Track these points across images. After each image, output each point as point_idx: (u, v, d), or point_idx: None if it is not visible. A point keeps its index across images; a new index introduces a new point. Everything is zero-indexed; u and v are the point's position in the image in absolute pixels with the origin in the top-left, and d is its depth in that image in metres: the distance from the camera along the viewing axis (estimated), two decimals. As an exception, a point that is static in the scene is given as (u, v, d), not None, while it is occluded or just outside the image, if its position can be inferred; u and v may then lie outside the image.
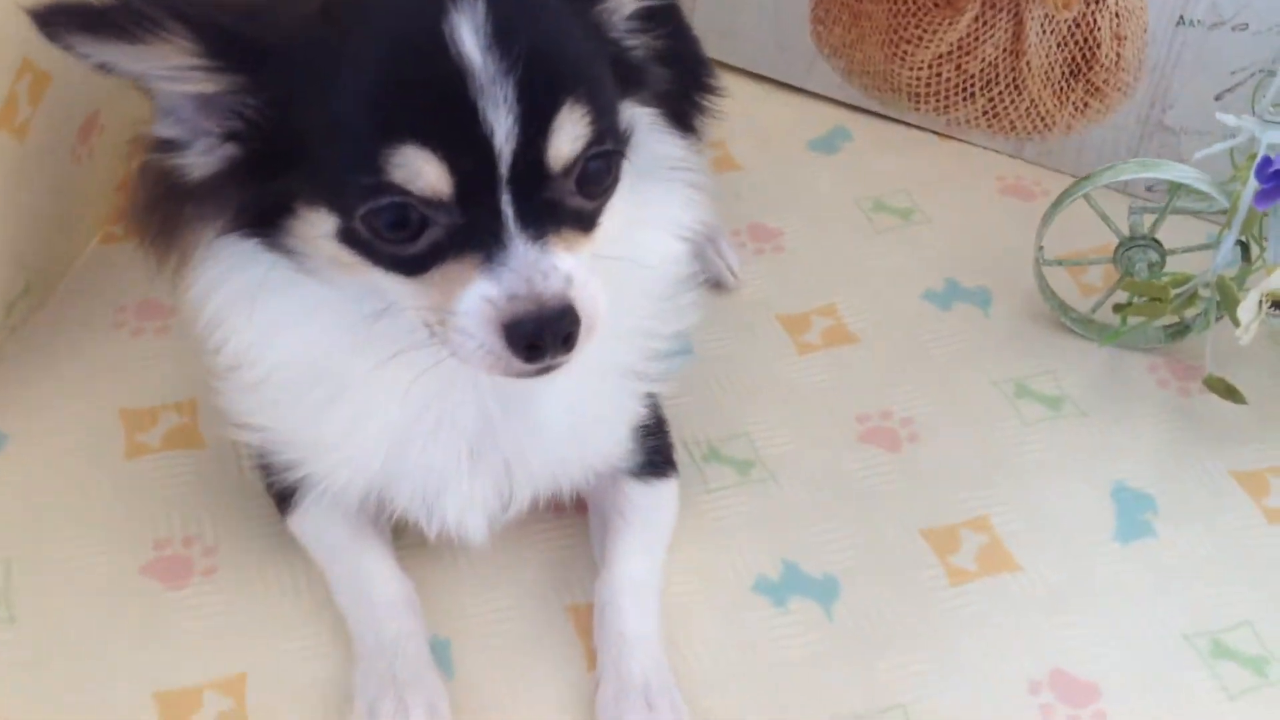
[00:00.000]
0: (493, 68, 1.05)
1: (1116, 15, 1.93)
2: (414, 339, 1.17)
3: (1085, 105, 2.00)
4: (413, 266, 1.11)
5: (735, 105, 1.88)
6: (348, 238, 1.11)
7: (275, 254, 1.18)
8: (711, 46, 1.89)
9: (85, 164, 1.66)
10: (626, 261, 1.20)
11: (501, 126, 1.06)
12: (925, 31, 2.05)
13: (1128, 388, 1.68)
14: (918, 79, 2.08)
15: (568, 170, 1.10)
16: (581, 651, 1.37)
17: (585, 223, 1.14)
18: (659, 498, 1.44)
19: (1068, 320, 1.74)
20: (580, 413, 1.34)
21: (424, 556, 1.42)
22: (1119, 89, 1.97)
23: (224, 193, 1.15)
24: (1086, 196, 1.68)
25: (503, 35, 1.06)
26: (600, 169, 1.14)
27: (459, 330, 1.10)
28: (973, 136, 2.09)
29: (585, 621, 1.38)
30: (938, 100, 2.09)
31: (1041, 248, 1.72)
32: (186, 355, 1.53)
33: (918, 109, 2.10)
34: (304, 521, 1.40)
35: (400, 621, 1.33)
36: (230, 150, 1.13)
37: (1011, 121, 2.06)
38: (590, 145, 1.11)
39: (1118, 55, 1.95)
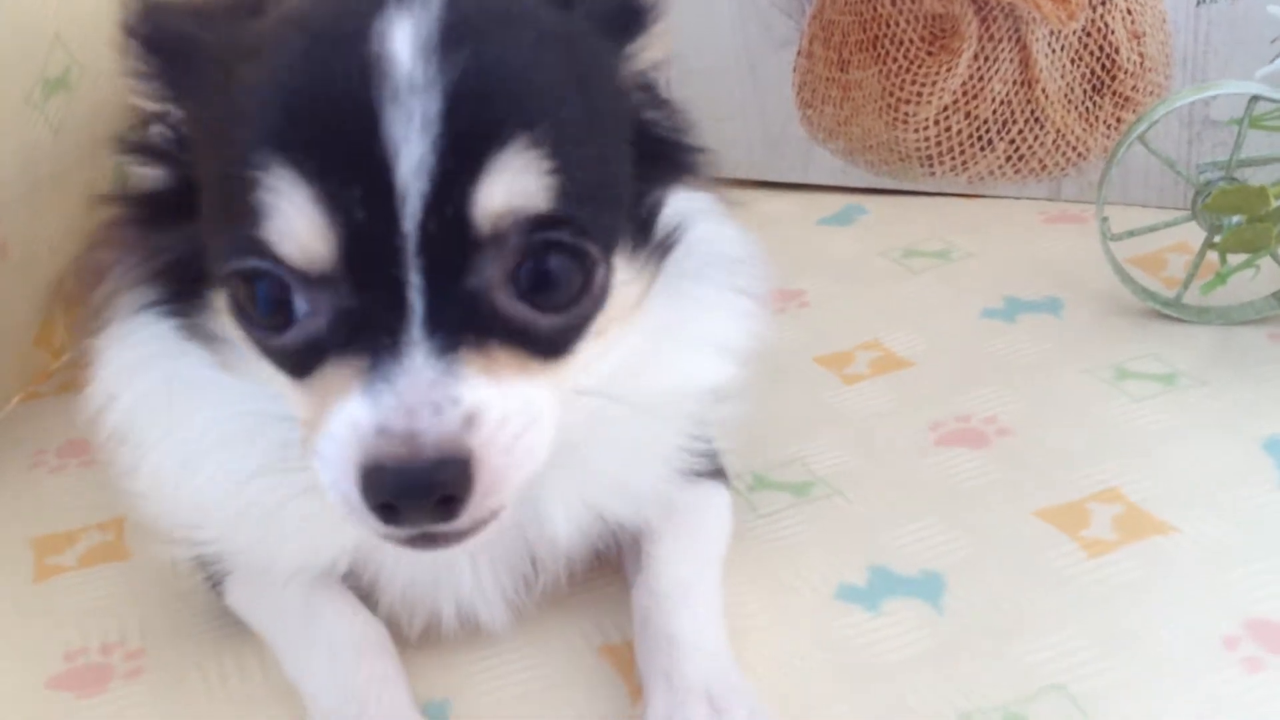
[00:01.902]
0: (420, 74, 0.77)
1: (1128, 12, 1.74)
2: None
3: (1118, 121, 1.79)
4: (292, 365, 0.82)
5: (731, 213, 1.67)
6: (232, 314, 0.85)
7: (193, 341, 0.92)
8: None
9: (-10, 291, 1.44)
10: (654, 394, 0.95)
11: (410, 153, 0.75)
12: (924, 85, 1.86)
13: (1250, 354, 1.40)
14: (926, 139, 1.88)
15: (501, 236, 0.78)
16: (625, 690, 1.03)
17: (541, 345, 0.83)
18: (707, 499, 1.14)
19: (1157, 305, 1.47)
20: (620, 480, 1.05)
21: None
22: (1151, 92, 1.76)
23: (149, 233, 0.92)
24: (1142, 139, 1.43)
25: (450, 40, 0.78)
26: (558, 270, 0.82)
27: (318, 457, 0.79)
28: (1001, 189, 1.86)
29: (629, 660, 1.05)
30: (953, 157, 1.87)
31: (1106, 219, 1.46)
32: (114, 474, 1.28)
33: (933, 172, 1.89)
34: (243, 589, 1.09)
35: (371, 665, 1.00)
36: (160, 177, 0.91)
37: (1040, 160, 1.84)
38: (545, 217, 0.79)
39: (1140, 55, 1.75)
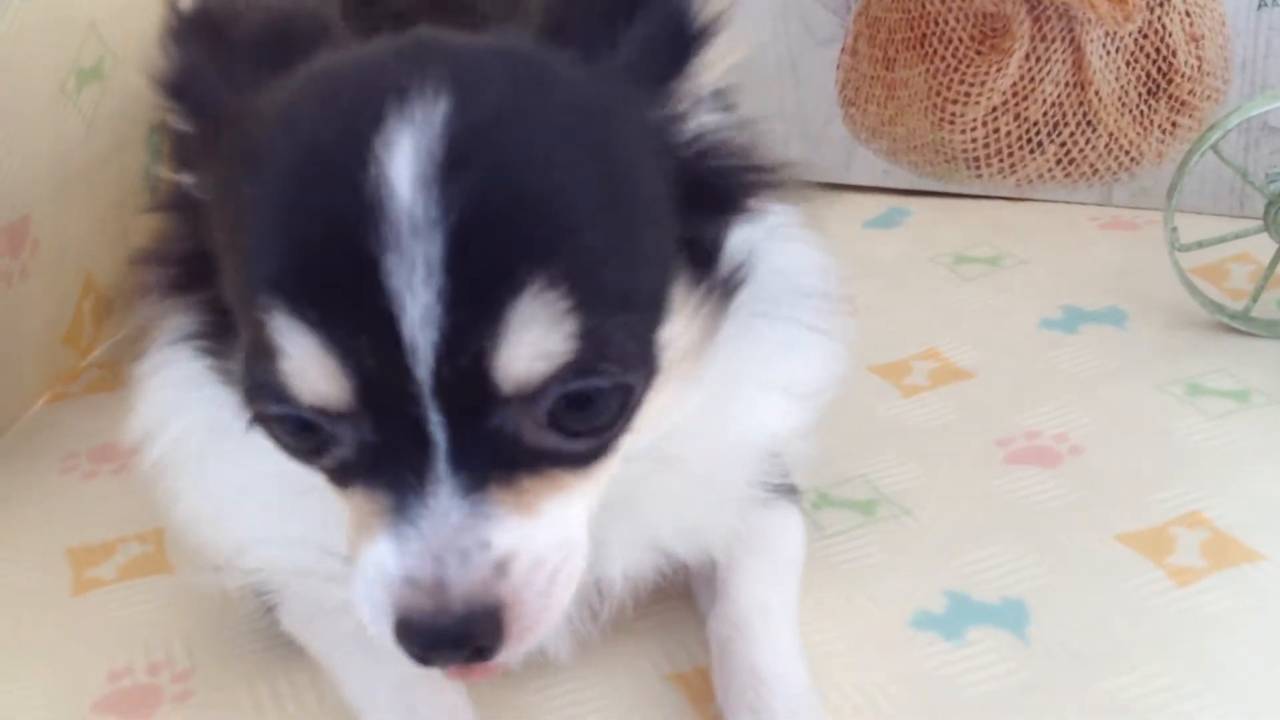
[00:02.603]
0: (421, 211, 0.69)
1: (1187, 14, 1.70)
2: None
3: (1173, 125, 1.74)
4: (333, 480, 0.79)
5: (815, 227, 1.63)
6: (267, 433, 0.80)
7: (227, 387, 0.86)
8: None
9: (18, 287, 1.38)
10: (719, 449, 0.90)
11: (415, 305, 0.69)
12: (972, 85, 1.81)
13: (1325, 371, 1.35)
14: (974, 141, 1.83)
15: (528, 397, 0.72)
16: (697, 721, 0.98)
17: (575, 462, 0.77)
18: (782, 521, 1.09)
19: (1225, 318, 1.43)
20: (683, 526, 0.99)
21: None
22: (1208, 97, 1.72)
23: (186, 272, 0.86)
24: (1215, 149, 1.39)
25: (454, 162, 0.70)
26: (590, 399, 0.75)
27: (355, 588, 0.76)
28: (1050, 192, 1.82)
29: (700, 689, 1.01)
30: (1001, 160, 1.83)
31: (1175, 229, 1.42)
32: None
33: (980, 175, 1.84)
34: (299, 613, 1.04)
35: (439, 696, 0.95)
36: (184, 237, 0.85)
37: (1092, 164, 1.79)
38: (576, 363, 0.72)
39: (1198, 59, 1.71)
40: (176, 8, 0.85)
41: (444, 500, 0.72)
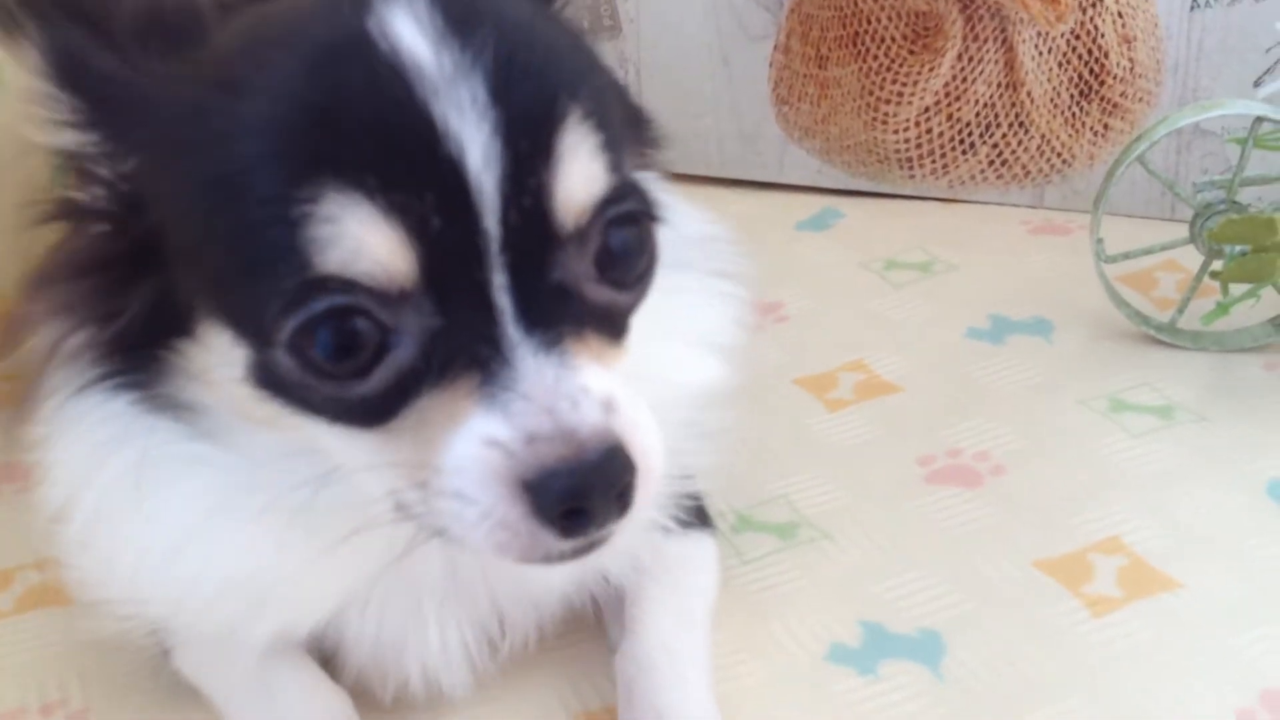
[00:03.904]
0: (451, 62, 0.70)
1: (1119, 16, 1.68)
2: (369, 514, 0.79)
3: (1105, 128, 1.73)
4: (372, 412, 0.73)
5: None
6: (265, 378, 0.75)
7: (159, 414, 0.83)
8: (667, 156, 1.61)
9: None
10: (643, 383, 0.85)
11: (475, 144, 0.69)
12: (905, 85, 1.79)
13: (1246, 385, 1.35)
14: (906, 141, 1.81)
15: (583, 230, 0.73)
16: (604, 766, 0.96)
17: (614, 326, 0.77)
18: (693, 553, 1.07)
19: (1150, 329, 1.41)
20: None
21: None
22: (1140, 99, 1.70)
23: (94, 299, 0.81)
24: (1141, 160, 1.37)
25: (459, 22, 0.72)
26: (630, 242, 0.77)
27: (451, 496, 0.71)
28: (983, 194, 1.80)
29: (606, 728, 0.98)
30: (934, 160, 1.81)
31: (1101, 240, 1.40)
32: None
33: (913, 176, 1.82)
34: (196, 656, 1.01)
35: (334, 737, 0.92)
36: (101, 232, 0.80)
37: (1024, 166, 1.77)
38: (613, 193, 0.74)
39: (1130, 61, 1.69)
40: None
41: (530, 360, 0.71)
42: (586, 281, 0.75)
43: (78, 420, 0.84)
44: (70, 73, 0.77)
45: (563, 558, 0.74)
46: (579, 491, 0.70)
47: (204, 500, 0.85)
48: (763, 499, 1.24)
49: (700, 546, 1.08)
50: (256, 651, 0.96)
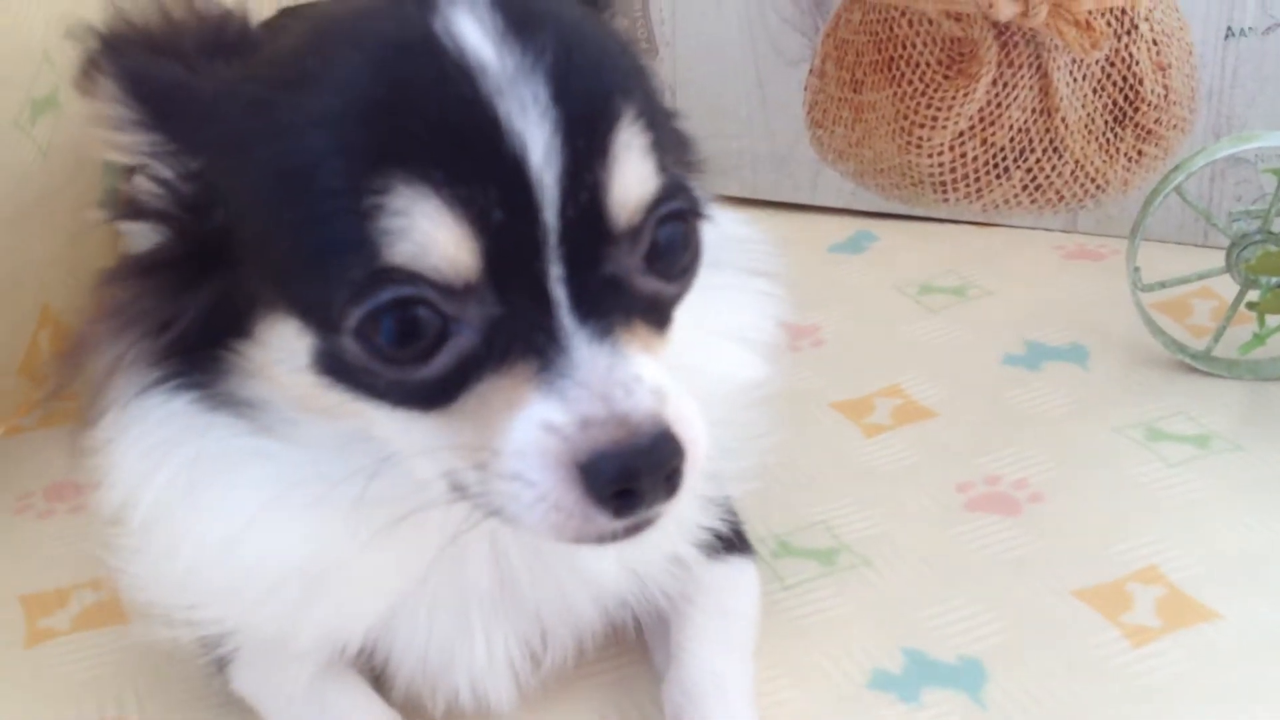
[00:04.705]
0: (513, 63, 0.74)
1: (1154, 43, 1.69)
2: (421, 498, 0.82)
3: (1139, 154, 1.74)
4: (433, 395, 0.77)
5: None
6: (330, 365, 0.78)
7: (217, 411, 0.86)
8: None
9: (-31, 320, 1.37)
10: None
11: (537, 142, 0.73)
12: (939, 110, 1.81)
13: (1281, 415, 1.35)
14: (940, 165, 1.83)
15: (635, 228, 0.77)
16: (652, 788, 0.98)
17: (660, 316, 0.81)
18: (735, 578, 1.09)
19: (1186, 357, 1.43)
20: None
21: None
22: (1174, 126, 1.72)
23: (156, 302, 0.84)
24: (1179, 190, 1.39)
25: (518, 25, 0.76)
26: (675, 238, 0.80)
27: (510, 478, 0.75)
28: (1016, 218, 1.82)
29: (653, 753, 1.00)
30: (968, 185, 1.82)
31: (1138, 269, 1.42)
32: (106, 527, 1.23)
33: (946, 199, 1.84)
34: (249, 673, 1.03)
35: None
36: (159, 238, 0.84)
37: (1058, 191, 1.79)
38: (663, 192, 0.78)
39: (1165, 88, 1.71)
40: (99, 31, 0.83)
41: (585, 349, 0.74)
42: (636, 274, 0.79)
43: (137, 421, 0.87)
44: (138, 83, 0.81)
45: (615, 538, 0.77)
46: (631, 473, 0.73)
47: (261, 492, 0.87)
48: (802, 524, 1.26)
49: (742, 572, 1.10)
50: (311, 668, 0.99)
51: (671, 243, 0.80)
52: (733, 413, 0.98)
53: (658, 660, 1.07)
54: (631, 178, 0.76)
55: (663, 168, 0.78)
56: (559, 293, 0.74)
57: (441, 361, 0.75)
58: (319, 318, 0.77)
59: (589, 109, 0.75)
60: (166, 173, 0.82)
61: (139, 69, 0.81)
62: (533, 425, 0.74)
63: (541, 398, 0.74)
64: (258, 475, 0.87)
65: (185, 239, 0.83)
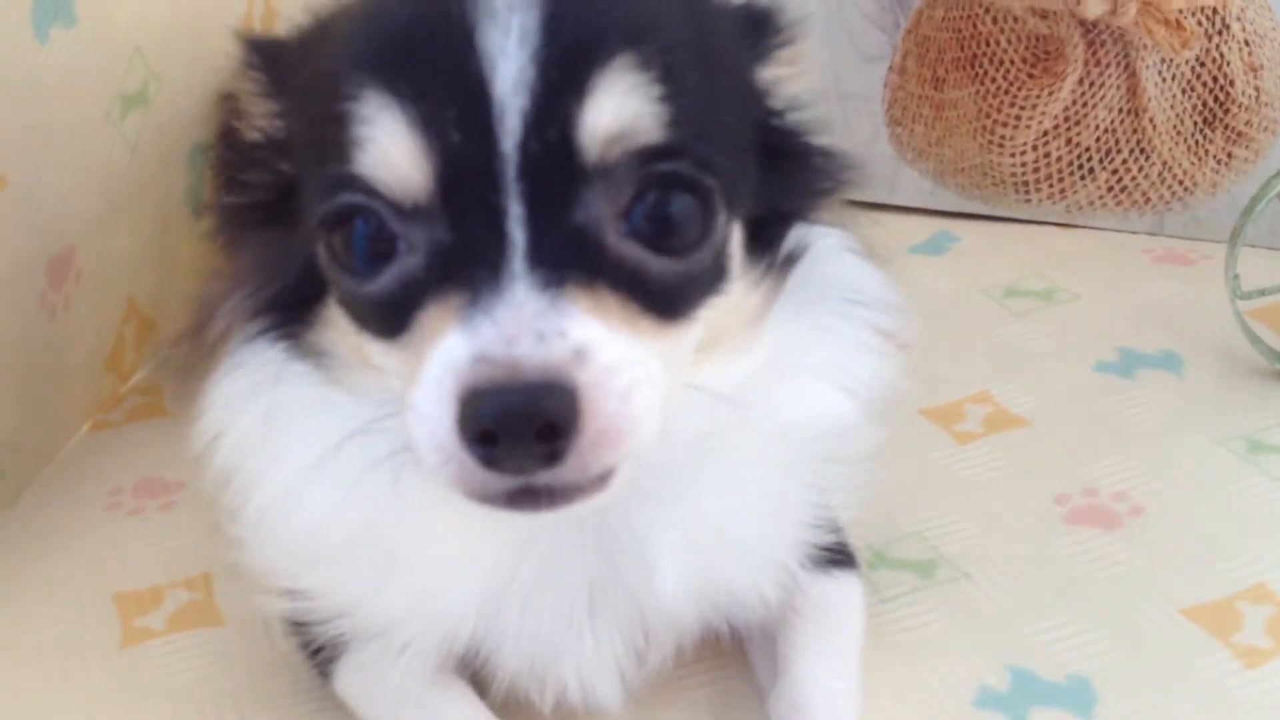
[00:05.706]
0: None
1: (1246, 44, 1.66)
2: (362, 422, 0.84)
3: (1229, 156, 1.71)
4: (386, 319, 0.76)
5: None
6: (325, 262, 0.80)
7: (302, 361, 0.88)
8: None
9: (61, 317, 1.36)
10: (771, 421, 0.87)
11: (507, 67, 0.71)
12: (1023, 109, 1.78)
13: (1390, 428, 1.33)
14: (1023, 165, 1.80)
15: (609, 169, 0.73)
16: (760, 804, 0.97)
17: (653, 297, 0.76)
18: (842, 590, 1.07)
19: (1284, 367, 1.40)
20: (736, 535, 0.97)
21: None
22: (1265, 128, 1.69)
23: (257, 251, 0.89)
24: (1282, 198, 1.37)
25: None
26: (683, 208, 0.75)
27: (412, 409, 0.72)
28: (1100, 219, 1.79)
29: (760, 769, 0.99)
30: (1051, 185, 1.80)
31: (1237, 276, 1.39)
32: (199, 526, 1.25)
33: (1028, 199, 1.81)
34: (354, 675, 1.02)
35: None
36: (259, 182, 0.87)
37: (1144, 192, 1.76)
38: (660, 148, 0.73)
39: (1256, 89, 1.68)
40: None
41: (520, 292, 0.70)
42: (612, 231, 0.74)
43: (234, 368, 0.89)
44: (265, 58, 0.87)
45: (502, 503, 0.73)
46: (490, 415, 0.68)
47: (323, 441, 0.85)
48: (897, 535, 1.24)
49: (848, 586, 1.08)
50: (420, 668, 0.98)
51: (671, 210, 0.75)
52: (832, 451, 0.97)
53: (760, 675, 1.06)
54: (608, 110, 0.72)
55: (673, 123, 0.73)
56: (516, 233, 0.71)
57: (386, 279, 0.75)
58: (309, 228, 0.79)
59: (576, 43, 0.72)
60: (270, 120, 0.87)
61: (263, 44, 0.88)
62: (439, 358, 0.71)
63: (457, 331, 0.71)
64: (321, 425, 0.86)
65: (279, 185, 0.85)
